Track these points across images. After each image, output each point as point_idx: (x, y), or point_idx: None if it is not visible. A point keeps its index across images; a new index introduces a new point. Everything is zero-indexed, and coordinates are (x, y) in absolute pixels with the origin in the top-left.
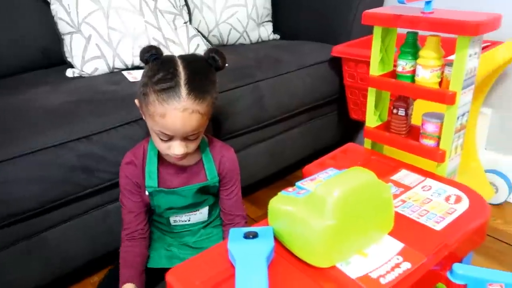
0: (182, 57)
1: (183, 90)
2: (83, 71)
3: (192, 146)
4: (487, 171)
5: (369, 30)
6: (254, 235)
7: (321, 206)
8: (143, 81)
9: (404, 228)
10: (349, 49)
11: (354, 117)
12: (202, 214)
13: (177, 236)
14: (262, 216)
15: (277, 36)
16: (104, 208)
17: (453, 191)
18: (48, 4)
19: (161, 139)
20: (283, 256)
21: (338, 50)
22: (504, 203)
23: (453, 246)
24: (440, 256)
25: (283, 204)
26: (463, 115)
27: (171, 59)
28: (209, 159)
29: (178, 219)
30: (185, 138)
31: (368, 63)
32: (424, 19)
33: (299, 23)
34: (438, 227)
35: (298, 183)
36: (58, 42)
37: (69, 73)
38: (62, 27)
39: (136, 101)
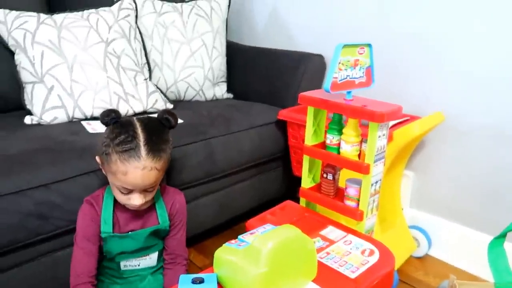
0: (139, 120)
1: (143, 150)
2: (42, 119)
3: (150, 196)
4: (410, 227)
5: None
6: (201, 281)
7: (256, 256)
8: (105, 142)
9: (325, 276)
10: (293, 114)
11: (297, 174)
12: (151, 259)
13: (126, 282)
14: (209, 265)
15: (231, 95)
16: (54, 255)
17: (368, 246)
18: (12, 52)
19: (122, 192)
20: None
21: (283, 114)
22: (425, 256)
23: None
24: None
25: (227, 254)
26: (376, 182)
27: (130, 122)
28: (161, 204)
29: (129, 264)
30: (144, 190)
31: None
32: (345, 106)
33: (250, 85)
34: (353, 275)
35: (240, 237)
36: (17, 89)
37: (28, 120)
38: (25, 76)
39: (97, 158)
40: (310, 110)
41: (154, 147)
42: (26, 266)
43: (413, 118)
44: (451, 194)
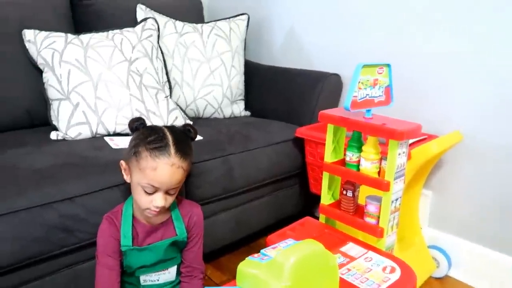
0: (165, 126)
1: (172, 149)
2: (67, 135)
3: (170, 200)
4: (429, 247)
5: None
6: None
7: (279, 270)
8: (135, 143)
9: None
10: (311, 132)
11: (314, 191)
12: (170, 273)
13: None
14: (226, 281)
15: (248, 113)
16: (76, 267)
17: (389, 263)
18: (41, 71)
19: (146, 192)
20: None
21: (301, 131)
22: (445, 277)
23: None
24: None
25: (250, 268)
26: (396, 200)
27: (158, 126)
28: (178, 216)
29: (148, 279)
30: (166, 192)
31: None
32: (365, 124)
33: (268, 103)
34: None
35: (263, 251)
36: (43, 105)
37: (53, 135)
38: (52, 93)
39: (122, 162)
40: (330, 127)
41: (181, 148)
42: (49, 278)
43: (430, 137)
44: (470, 213)
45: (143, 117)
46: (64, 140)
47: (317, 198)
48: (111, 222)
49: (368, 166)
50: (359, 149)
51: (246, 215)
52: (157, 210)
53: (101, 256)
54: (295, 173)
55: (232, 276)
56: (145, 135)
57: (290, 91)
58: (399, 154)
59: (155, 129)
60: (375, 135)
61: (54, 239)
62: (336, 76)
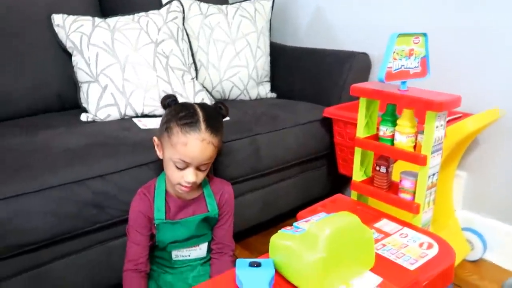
0: (197, 104)
1: (203, 125)
2: (96, 116)
3: (201, 176)
4: (463, 229)
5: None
6: (258, 265)
7: (314, 241)
8: (167, 119)
9: (383, 266)
10: (339, 111)
11: (343, 172)
12: (201, 250)
13: (177, 272)
14: None
15: (274, 95)
16: (108, 244)
17: (426, 239)
18: (70, 54)
19: (178, 168)
20: (281, 284)
21: (329, 111)
22: (480, 260)
23: (423, 283)
24: None
25: (283, 240)
26: (433, 175)
27: (190, 103)
28: (210, 193)
29: (179, 254)
30: (197, 168)
31: (355, 125)
32: (400, 96)
33: (294, 84)
34: (412, 267)
35: (295, 224)
36: (73, 88)
37: (83, 117)
38: (81, 76)
39: (155, 138)
40: (363, 101)
41: (212, 124)
42: (83, 254)
43: (466, 115)
44: (507, 195)
45: None
46: (93, 122)
47: (345, 180)
48: (144, 196)
49: (404, 140)
50: (394, 123)
51: (274, 196)
52: (188, 185)
53: (131, 231)
54: (322, 154)
55: (258, 254)
56: (176, 111)
57: (317, 72)
58: (437, 127)
59: (186, 106)
60: (411, 107)
61: (87, 216)
62: (364, 55)
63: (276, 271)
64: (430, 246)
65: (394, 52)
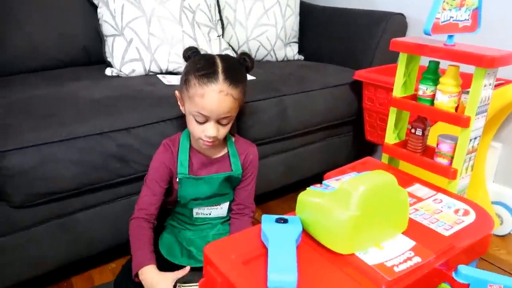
0: (218, 55)
1: (220, 76)
2: (121, 71)
3: (223, 131)
4: (493, 202)
5: (389, 59)
6: (285, 221)
7: (346, 198)
8: (186, 70)
9: (416, 230)
10: (371, 75)
11: (370, 139)
12: (222, 209)
13: (198, 229)
14: None
15: (302, 57)
16: (131, 198)
17: (462, 206)
18: (95, 7)
19: (197, 121)
20: (308, 243)
21: (360, 74)
22: (508, 235)
23: (458, 249)
24: (447, 255)
25: (311, 197)
26: (475, 138)
27: (210, 55)
28: (235, 153)
29: (201, 212)
30: (218, 122)
31: (387, 89)
32: (447, 50)
33: (323, 47)
34: (447, 233)
35: (325, 181)
36: (99, 42)
37: (108, 72)
38: (106, 29)
39: (177, 92)
40: (403, 57)
41: (231, 75)
42: (107, 206)
43: (508, 83)
44: None
45: None
46: (118, 76)
47: (371, 148)
48: (168, 148)
49: (445, 100)
50: (435, 82)
51: (298, 159)
52: (210, 140)
53: (150, 180)
54: (350, 119)
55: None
56: (195, 63)
57: (348, 33)
58: (485, 86)
59: (205, 57)
60: (460, 62)
61: (111, 168)
62: (401, 16)
63: (303, 230)
64: (466, 213)
65: (444, 1)
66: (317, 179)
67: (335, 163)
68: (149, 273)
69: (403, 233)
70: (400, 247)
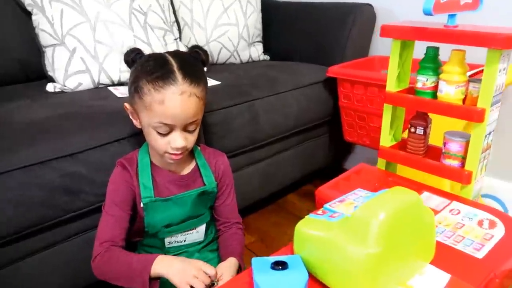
0: (168, 52)
1: (178, 74)
2: (65, 86)
3: (191, 139)
4: (483, 195)
5: (362, 53)
6: (283, 265)
7: (363, 231)
8: (134, 76)
9: (444, 256)
10: (346, 70)
11: (348, 139)
12: (198, 233)
13: None
14: (255, 243)
15: (267, 57)
16: (87, 235)
17: (484, 215)
18: (29, 14)
19: (160, 134)
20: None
21: (333, 70)
22: None
23: (500, 275)
24: (490, 286)
25: (314, 229)
26: (489, 134)
27: (158, 53)
28: (204, 163)
29: (174, 240)
30: (185, 130)
31: (365, 85)
32: (451, 32)
33: (290, 44)
34: (480, 255)
35: (327, 206)
36: (37, 55)
37: (50, 87)
38: (44, 39)
39: (126, 104)
40: (396, 45)
41: (189, 72)
42: (57, 248)
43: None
44: None
45: None
46: (62, 92)
47: (348, 149)
48: (125, 168)
49: (452, 92)
50: (436, 71)
51: (274, 168)
52: (178, 152)
53: (108, 206)
54: (326, 120)
55: (259, 237)
56: (144, 65)
57: (316, 28)
58: (500, 71)
59: (154, 56)
60: (467, 44)
61: (57, 203)
62: (369, 7)
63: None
64: (493, 225)
65: None
66: (295, 187)
67: (313, 167)
68: (166, 258)
69: (430, 263)
70: (433, 284)
